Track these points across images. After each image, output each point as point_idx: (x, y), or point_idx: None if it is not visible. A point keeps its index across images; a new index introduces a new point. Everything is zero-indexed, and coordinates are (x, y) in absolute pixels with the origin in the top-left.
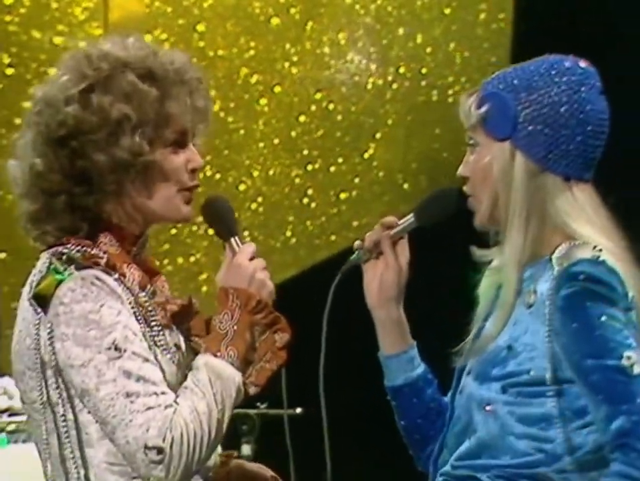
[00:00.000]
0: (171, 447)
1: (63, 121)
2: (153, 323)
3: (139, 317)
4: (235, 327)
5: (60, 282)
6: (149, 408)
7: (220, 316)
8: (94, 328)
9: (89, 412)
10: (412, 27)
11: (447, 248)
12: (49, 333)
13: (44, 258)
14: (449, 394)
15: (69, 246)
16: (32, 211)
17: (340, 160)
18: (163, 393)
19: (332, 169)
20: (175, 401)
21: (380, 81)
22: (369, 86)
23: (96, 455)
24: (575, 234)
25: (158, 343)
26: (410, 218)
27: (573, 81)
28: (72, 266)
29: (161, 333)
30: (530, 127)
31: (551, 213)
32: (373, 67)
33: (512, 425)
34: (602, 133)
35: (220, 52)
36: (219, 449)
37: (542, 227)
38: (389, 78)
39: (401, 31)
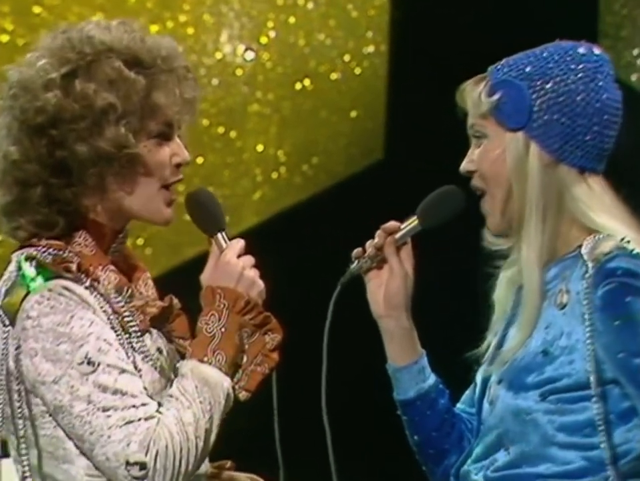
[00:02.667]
0: (155, 461)
1: (41, 107)
2: (131, 329)
3: (115, 325)
4: (223, 329)
5: (27, 294)
6: (128, 422)
7: (206, 318)
8: (64, 341)
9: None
10: (285, 10)
11: (445, 249)
12: (16, 348)
13: (14, 261)
14: (476, 406)
15: (39, 248)
16: (5, 203)
17: (208, 151)
18: (143, 404)
19: (199, 161)
20: (158, 411)
21: (251, 67)
22: (239, 72)
23: (78, 471)
24: (595, 225)
25: (138, 350)
26: (413, 221)
27: (589, 68)
28: (39, 276)
29: (140, 338)
30: (546, 117)
31: (569, 205)
32: (241, 52)
33: (554, 434)
34: (615, 123)
35: None
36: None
37: (559, 220)
38: (260, 64)
39: (272, 14)
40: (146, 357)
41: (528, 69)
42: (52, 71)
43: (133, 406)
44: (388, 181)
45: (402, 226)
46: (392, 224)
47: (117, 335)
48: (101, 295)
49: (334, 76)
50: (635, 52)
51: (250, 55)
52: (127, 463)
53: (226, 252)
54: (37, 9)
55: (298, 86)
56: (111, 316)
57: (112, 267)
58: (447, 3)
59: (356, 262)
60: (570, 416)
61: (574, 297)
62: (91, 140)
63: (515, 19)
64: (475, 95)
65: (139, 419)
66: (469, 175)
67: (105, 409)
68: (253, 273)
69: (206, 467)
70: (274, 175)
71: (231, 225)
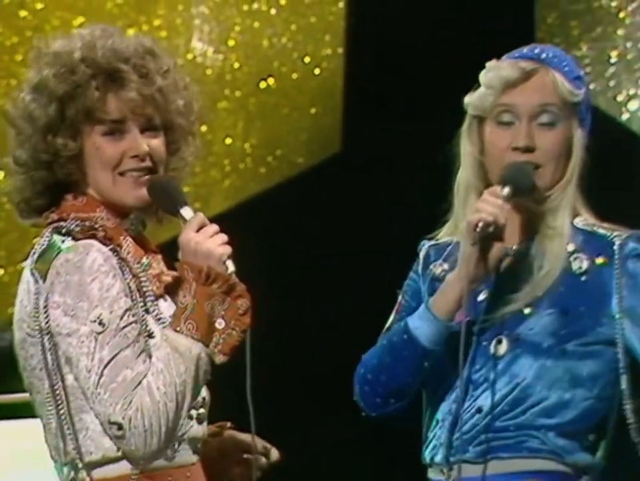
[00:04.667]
0: (129, 423)
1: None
2: (147, 294)
3: (132, 288)
4: (194, 301)
5: (58, 253)
6: (117, 385)
7: (182, 292)
8: (83, 300)
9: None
10: (250, 16)
11: None
12: (45, 301)
13: (46, 233)
14: (462, 362)
15: (68, 221)
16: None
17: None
18: (135, 370)
19: None
20: (141, 379)
21: (219, 67)
22: (209, 72)
23: (92, 420)
24: (582, 209)
25: (151, 312)
26: (506, 190)
27: None
28: (70, 238)
29: (155, 303)
30: (589, 118)
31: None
32: (211, 53)
33: (569, 385)
34: None
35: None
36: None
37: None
38: (228, 65)
39: (238, 19)
40: (159, 320)
41: (579, 70)
42: (26, 82)
43: (127, 369)
44: (344, 172)
45: (505, 194)
46: (496, 191)
47: (133, 299)
48: (123, 259)
49: (295, 76)
50: None
51: (218, 57)
52: (109, 422)
53: (183, 231)
54: (22, 13)
55: (262, 85)
56: (130, 279)
57: (131, 240)
58: (398, 12)
59: (484, 230)
60: (586, 368)
61: (596, 266)
62: (30, 147)
63: (459, 27)
64: (559, 81)
65: (125, 383)
66: (523, 151)
67: (101, 368)
68: (209, 244)
69: (203, 431)
70: (241, 165)
71: (201, 211)
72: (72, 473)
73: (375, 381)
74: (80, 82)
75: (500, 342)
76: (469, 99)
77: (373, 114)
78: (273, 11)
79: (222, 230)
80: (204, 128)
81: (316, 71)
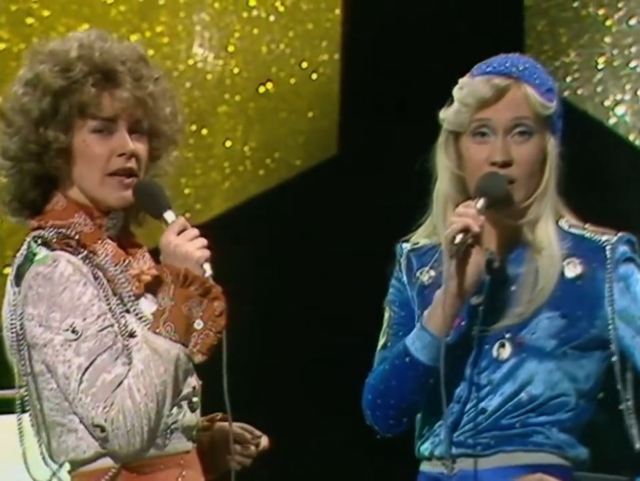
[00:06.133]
0: (112, 425)
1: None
2: (126, 294)
3: (108, 291)
4: (172, 302)
5: (30, 266)
6: (96, 389)
7: (161, 294)
8: (56, 310)
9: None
10: (249, 22)
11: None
12: (20, 313)
13: (26, 242)
14: (464, 365)
15: (47, 229)
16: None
17: (182, 147)
18: (113, 373)
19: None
20: (121, 381)
21: (219, 72)
22: (209, 77)
23: (80, 420)
24: (563, 210)
25: (132, 312)
26: (481, 202)
27: None
28: (44, 249)
29: (135, 302)
30: (560, 124)
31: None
32: (211, 58)
33: (569, 385)
34: None
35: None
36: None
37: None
38: (228, 70)
39: (238, 26)
40: (140, 318)
41: (552, 82)
42: (18, 77)
43: (104, 373)
44: (341, 174)
45: (479, 207)
46: (472, 205)
47: (108, 301)
48: (96, 265)
49: (293, 81)
50: (557, 64)
51: (217, 63)
52: (93, 424)
53: (164, 235)
54: (29, 20)
55: (261, 89)
56: (105, 284)
57: (109, 241)
58: (393, 19)
59: (461, 242)
60: (582, 369)
61: (591, 270)
62: (20, 139)
63: (451, 34)
64: (531, 95)
65: (105, 386)
66: (500, 166)
67: (79, 375)
68: (188, 247)
69: (197, 418)
70: (241, 168)
71: (202, 212)
72: (68, 472)
73: (385, 405)
74: (76, 78)
75: (502, 345)
76: (444, 114)
77: (368, 117)
78: (272, 18)
79: (218, 233)
80: (204, 132)
81: (314, 76)
